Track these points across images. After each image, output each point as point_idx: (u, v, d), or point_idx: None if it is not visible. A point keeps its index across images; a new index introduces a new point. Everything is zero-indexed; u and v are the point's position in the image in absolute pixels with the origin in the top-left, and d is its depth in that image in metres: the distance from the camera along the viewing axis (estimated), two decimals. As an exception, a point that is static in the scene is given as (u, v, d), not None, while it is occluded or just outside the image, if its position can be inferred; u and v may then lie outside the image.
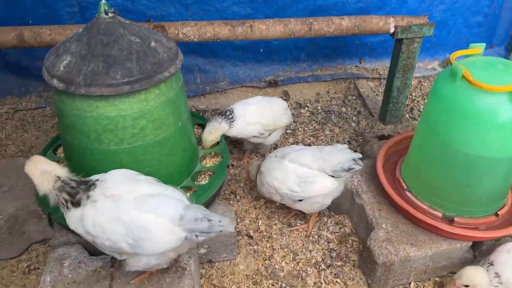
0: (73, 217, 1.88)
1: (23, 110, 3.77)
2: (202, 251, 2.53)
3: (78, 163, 2.27)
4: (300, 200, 2.51)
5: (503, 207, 2.45)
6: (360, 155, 2.41)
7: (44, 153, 2.66)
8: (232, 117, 2.83)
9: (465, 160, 2.18)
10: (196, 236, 1.84)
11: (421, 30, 3.13)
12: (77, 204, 1.87)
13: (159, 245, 1.86)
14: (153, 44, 2.15)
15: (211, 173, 2.65)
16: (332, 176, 2.42)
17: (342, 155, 2.39)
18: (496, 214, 2.42)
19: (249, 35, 2.99)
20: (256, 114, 2.86)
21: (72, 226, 1.90)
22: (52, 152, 2.69)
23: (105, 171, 2.21)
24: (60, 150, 2.74)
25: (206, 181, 2.61)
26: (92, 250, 2.42)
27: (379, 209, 2.56)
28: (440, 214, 2.41)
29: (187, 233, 1.84)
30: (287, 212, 2.88)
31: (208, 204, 2.49)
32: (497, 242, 2.44)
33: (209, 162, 2.74)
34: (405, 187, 2.56)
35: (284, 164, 2.49)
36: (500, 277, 2.10)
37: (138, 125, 2.15)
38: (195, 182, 2.56)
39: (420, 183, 2.47)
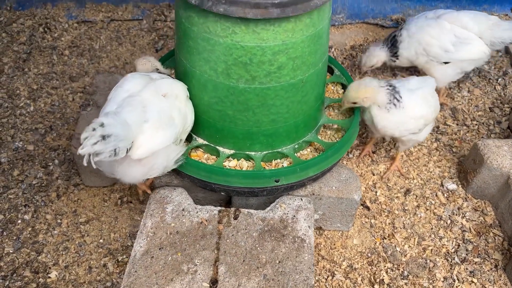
0: None
1: (118, 20, 3.43)
2: (315, 216, 2.17)
3: (195, 96, 1.89)
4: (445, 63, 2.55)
5: None
6: None
7: (148, 76, 2.30)
8: (398, 100, 2.04)
9: None
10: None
11: None
12: None
13: None
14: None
15: (335, 128, 2.21)
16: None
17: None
18: None
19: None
20: (423, 104, 2.11)
21: None
22: (156, 75, 2.32)
23: (226, 111, 1.86)
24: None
25: (328, 137, 2.18)
26: (196, 197, 2.15)
27: (547, 207, 2.03)
28: None
29: None
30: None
31: (331, 168, 2.07)
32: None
33: (333, 115, 2.27)
34: None
35: (441, 23, 2.52)
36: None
37: (276, 62, 1.70)
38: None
39: None
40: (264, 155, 2.00)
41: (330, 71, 2.44)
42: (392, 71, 3.09)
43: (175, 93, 1.81)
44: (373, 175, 2.50)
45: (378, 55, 2.74)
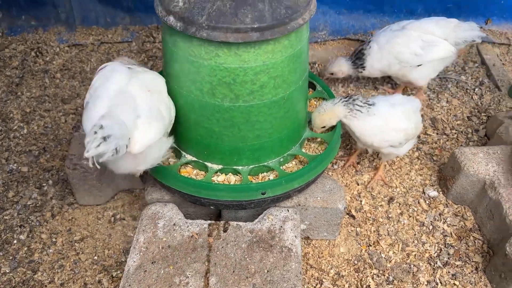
0: None
1: (108, 43, 3.54)
2: (302, 226, 2.25)
3: (183, 115, 1.98)
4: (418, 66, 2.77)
5: None
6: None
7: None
8: (359, 105, 2.16)
9: None
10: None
11: None
12: None
13: None
14: (287, -18, 1.74)
15: (318, 141, 2.31)
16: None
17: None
18: None
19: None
20: (404, 119, 2.23)
21: None
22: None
23: (213, 128, 1.95)
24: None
25: (312, 150, 2.27)
26: (187, 212, 2.23)
27: (521, 210, 2.13)
28: None
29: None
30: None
31: (315, 179, 2.17)
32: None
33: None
34: (560, 188, 2.10)
35: (407, 32, 2.76)
36: None
37: (259, 82, 1.80)
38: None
39: None
40: (251, 169, 2.09)
41: (313, 87, 2.56)
42: (374, 83, 3.22)
43: (159, 88, 1.91)
44: (358, 184, 2.60)
45: (340, 65, 2.93)
